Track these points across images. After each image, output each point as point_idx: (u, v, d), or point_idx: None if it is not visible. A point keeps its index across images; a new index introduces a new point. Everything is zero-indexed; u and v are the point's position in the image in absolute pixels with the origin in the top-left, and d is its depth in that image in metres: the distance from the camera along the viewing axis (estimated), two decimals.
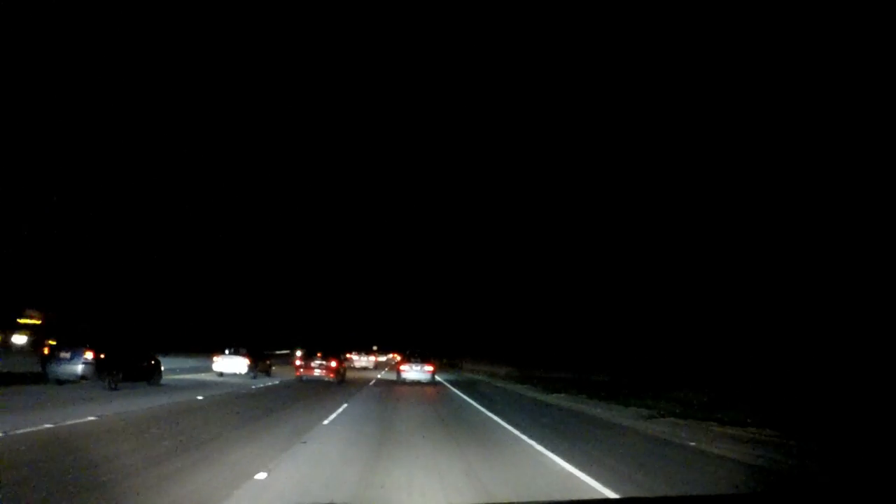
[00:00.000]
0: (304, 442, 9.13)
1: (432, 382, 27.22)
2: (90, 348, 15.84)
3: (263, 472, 6.76)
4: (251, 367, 24.16)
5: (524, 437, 10.80)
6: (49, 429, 8.78)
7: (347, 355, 42.33)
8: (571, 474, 7.59)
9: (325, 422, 11.78)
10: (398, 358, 37.26)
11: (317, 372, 24.64)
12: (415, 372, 26.68)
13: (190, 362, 30.18)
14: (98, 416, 10.41)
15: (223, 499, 5.59)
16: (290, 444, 8.83)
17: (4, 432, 8.13)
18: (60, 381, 16.13)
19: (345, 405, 15.54)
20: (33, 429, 8.63)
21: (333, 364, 25.24)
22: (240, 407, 14.17)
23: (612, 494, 6.45)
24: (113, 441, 8.20)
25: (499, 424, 13.00)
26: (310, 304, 68.00)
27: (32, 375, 16.59)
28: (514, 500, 6.33)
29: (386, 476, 6.96)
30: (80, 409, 11.11)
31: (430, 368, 27.01)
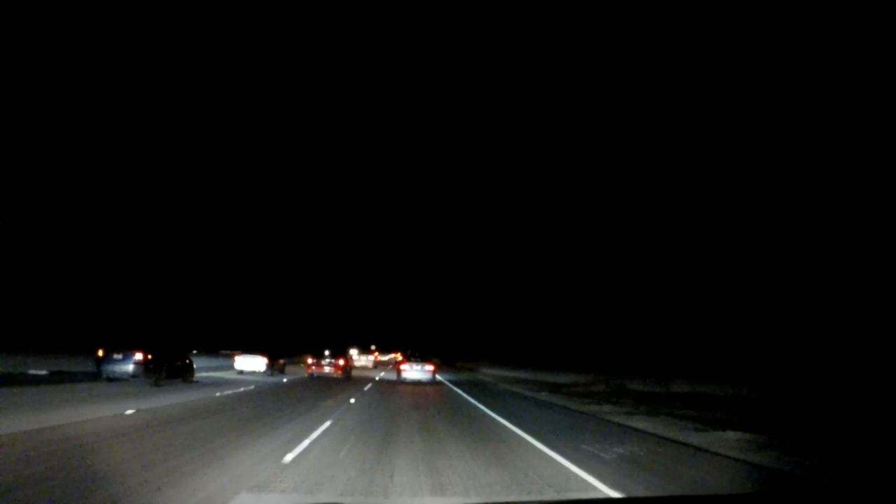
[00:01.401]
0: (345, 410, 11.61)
1: (433, 383, 27.37)
2: (141, 350, 18.07)
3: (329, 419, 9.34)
4: (268, 366, 26.49)
5: None
6: (155, 408, 11.12)
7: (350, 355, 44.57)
8: None
9: (352, 400, 14.26)
10: (400, 357, 38.31)
11: (326, 369, 27.15)
12: (415, 372, 26.86)
13: (204, 361, 32.38)
14: (187, 401, 12.99)
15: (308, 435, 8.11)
16: (338, 408, 11.32)
17: (141, 408, 10.46)
18: (111, 379, 18.25)
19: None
20: (148, 406, 10.96)
21: (341, 363, 27.87)
22: (283, 395, 16.58)
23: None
24: (215, 413, 10.58)
25: None
26: (317, 305, 69.79)
27: (87, 374, 18.76)
28: (515, 499, 6.24)
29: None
30: (161, 398, 13.46)
31: (430, 368, 27.25)
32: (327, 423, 10.61)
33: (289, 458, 7.39)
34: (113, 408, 10.88)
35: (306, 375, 27.63)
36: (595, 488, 6.52)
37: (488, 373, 40.03)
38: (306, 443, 8.53)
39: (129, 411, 10.59)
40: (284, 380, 24.90)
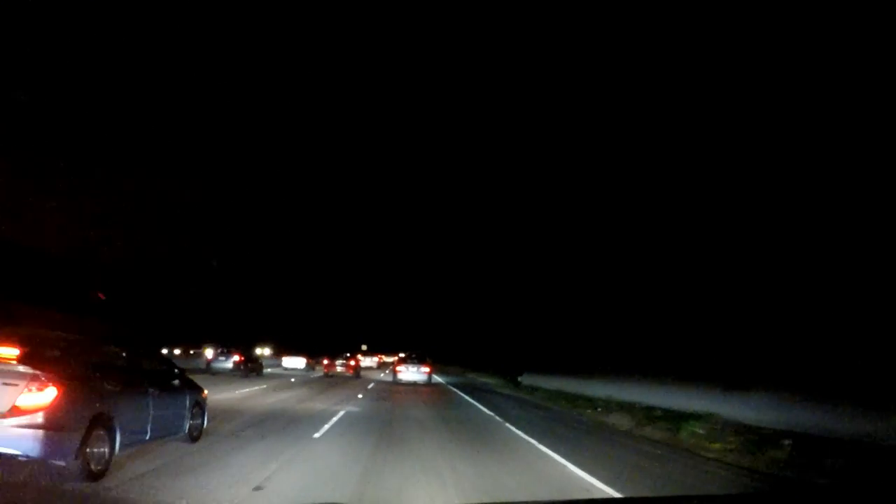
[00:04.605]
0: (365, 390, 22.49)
1: (429, 384, 28.11)
2: (238, 352, 28.94)
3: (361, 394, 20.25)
4: (307, 364, 37.56)
5: None
6: (273, 386, 21.93)
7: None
8: None
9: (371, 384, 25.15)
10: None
11: (339, 369, 37.70)
12: (411, 373, 27.74)
13: None
14: (276, 384, 23.79)
15: (355, 397, 19.04)
16: (363, 388, 22.15)
17: (261, 386, 21.30)
18: (214, 373, 29.02)
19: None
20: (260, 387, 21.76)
21: (353, 363, 38.58)
22: (327, 380, 27.38)
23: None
24: (300, 386, 21.40)
25: None
26: (329, 310, 77.69)
27: (199, 370, 29.60)
28: (515, 500, 6.49)
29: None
30: (260, 383, 24.35)
31: (426, 370, 28.11)
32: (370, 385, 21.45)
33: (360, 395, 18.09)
34: (249, 387, 21.77)
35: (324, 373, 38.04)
36: None
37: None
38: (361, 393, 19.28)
39: (259, 388, 21.46)
40: (319, 375, 35.85)
